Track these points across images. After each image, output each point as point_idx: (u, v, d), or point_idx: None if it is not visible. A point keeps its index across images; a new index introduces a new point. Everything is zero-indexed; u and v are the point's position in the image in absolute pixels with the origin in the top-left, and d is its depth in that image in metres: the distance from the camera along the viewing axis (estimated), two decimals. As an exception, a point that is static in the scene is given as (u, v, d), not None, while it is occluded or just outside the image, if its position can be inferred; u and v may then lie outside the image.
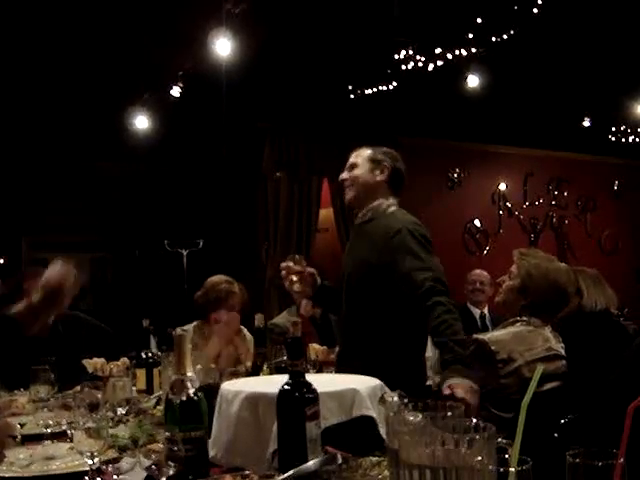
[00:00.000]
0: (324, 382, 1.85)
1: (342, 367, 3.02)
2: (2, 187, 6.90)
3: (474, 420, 1.07)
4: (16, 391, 2.97)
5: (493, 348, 2.95)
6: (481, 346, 2.99)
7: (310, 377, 1.72)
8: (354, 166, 3.25)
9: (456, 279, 6.69)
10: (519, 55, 6.05)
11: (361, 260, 3.13)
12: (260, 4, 5.21)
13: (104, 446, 1.68)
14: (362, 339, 3.05)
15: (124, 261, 7.75)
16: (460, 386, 2.52)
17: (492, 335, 3.11)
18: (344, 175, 3.27)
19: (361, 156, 3.25)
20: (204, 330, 3.97)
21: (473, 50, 5.87)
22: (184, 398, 1.69)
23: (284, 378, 1.71)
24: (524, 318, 3.13)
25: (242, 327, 4.10)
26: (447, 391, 2.49)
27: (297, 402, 1.64)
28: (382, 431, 1.84)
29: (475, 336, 3.19)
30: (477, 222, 8.64)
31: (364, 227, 3.19)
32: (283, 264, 3.22)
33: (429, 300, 2.80)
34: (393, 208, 3.19)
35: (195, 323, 4.04)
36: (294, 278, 3.17)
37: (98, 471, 1.66)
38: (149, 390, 2.84)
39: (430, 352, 4.52)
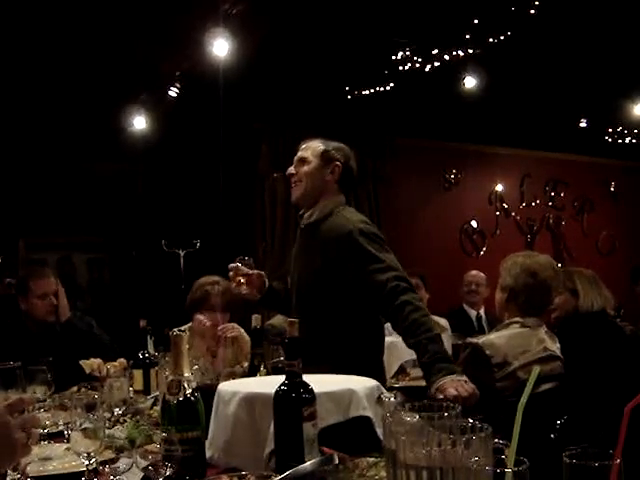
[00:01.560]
0: (321, 382, 1.85)
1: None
2: (-1, 188, 6.90)
3: (471, 420, 1.07)
4: (10, 391, 2.95)
5: (488, 352, 2.95)
6: (476, 350, 2.99)
7: (307, 377, 1.72)
8: (304, 161, 3.08)
9: (453, 280, 6.74)
10: (516, 56, 6.05)
11: (310, 265, 3.02)
12: (257, 5, 5.21)
13: (101, 447, 1.68)
14: (314, 344, 2.98)
15: (121, 261, 7.74)
16: (448, 384, 2.46)
17: (487, 339, 3.12)
18: (292, 170, 3.11)
19: (312, 151, 3.09)
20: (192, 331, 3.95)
21: (470, 51, 5.88)
22: (181, 398, 1.70)
23: (281, 378, 1.71)
24: (518, 319, 3.13)
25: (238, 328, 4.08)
26: (440, 396, 2.45)
27: (294, 402, 1.64)
28: (379, 431, 1.84)
29: (469, 340, 3.20)
30: (474, 223, 8.65)
31: (311, 229, 3.06)
32: (231, 265, 3.12)
33: (395, 300, 2.71)
34: (341, 207, 3.05)
35: (190, 324, 4.02)
36: (241, 280, 3.10)
37: (95, 472, 1.66)
38: (146, 391, 2.84)
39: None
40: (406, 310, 2.69)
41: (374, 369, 2.91)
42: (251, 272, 3.13)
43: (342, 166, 3.08)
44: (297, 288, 3.12)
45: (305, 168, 3.07)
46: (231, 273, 3.12)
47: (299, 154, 3.12)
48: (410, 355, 4.36)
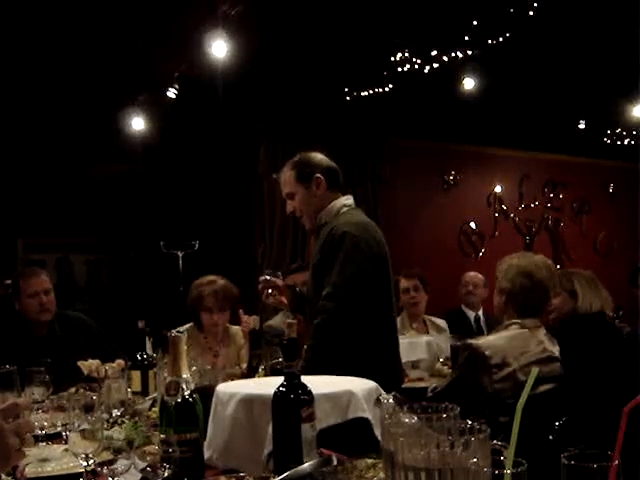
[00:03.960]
0: (319, 384, 1.84)
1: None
2: (-2, 188, 6.90)
3: (470, 422, 1.07)
4: (7, 392, 2.95)
5: (487, 353, 2.95)
6: (475, 351, 2.99)
7: (305, 379, 1.72)
8: (291, 196, 3.19)
9: (451, 281, 6.73)
10: (515, 57, 6.06)
11: (314, 264, 3.12)
12: (256, 5, 5.21)
13: (99, 448, 1.67)
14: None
15: (119, 262, 7.74)
16: None
17: (485, 340, 3.12)
18: (289, 208, 3.23)
19: (289, 182, 3.18)
20: (194, 333, 3.94)
21: (469, 52, 5.88)
22: (179, 400, 1.69)
23: (279, 380, 1.71)
24: (517, 321, 3.13)
25: (233, 327, 4.07)
26: None
27: (292, 404, 1.64)
28: (377, 433, 1.84)
29: (469, 341, 3.20)
30: (472, 224, 8.65)
31: (319, 232, 3.16)
32: (261, 277, 3.26)
33: (316, 318, 2.91)
34: (345, 209, 3.14)
35: (188, 325, 4.02)
36: (271, 291, 3.22)
37: (93, 473, 1.65)
38: (144, 392, 2.83)
39: (424, 354, 4.54)
40: (313, 334, 2.91)
41: (386, 365, 2.97)
42: (281, 284, 3.25)
43: (322, 174, 3.14)
44: (308, 288, 3.23)
45: (296, 201, 3.18)
46: (261, 285, 3.23)
47: (284, 192, 3.24)
48: (408, 356, 4.37)
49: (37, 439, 2.14)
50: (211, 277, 4.02)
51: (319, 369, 2.41)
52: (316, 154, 3.23)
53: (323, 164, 3.18)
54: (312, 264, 3.13)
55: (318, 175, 3.12)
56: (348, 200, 3.18)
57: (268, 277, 3.24)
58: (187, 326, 4.00)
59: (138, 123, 6.81)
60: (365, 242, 2.99)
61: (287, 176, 3.18)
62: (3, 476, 1.64)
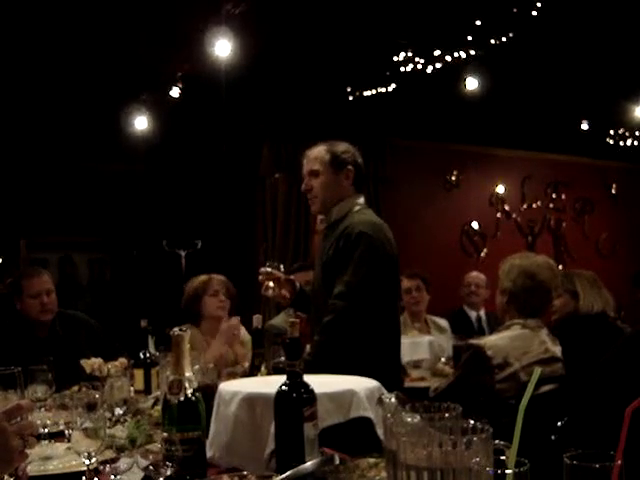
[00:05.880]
0: (322, 383, 1.85)
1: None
2: (0, 188, 6.90)
3: (472, 421, 1.08)
4: (10, 390, 2.94)
5: (489, 353, 2.95)
6: (477, 351, 2.99)
7: (308, 378, 1.72)
8: (316, 174, 3.11)
9: (453, 281, 6.74)
10: (518, 58, 6.05)
11: (325, 261, 3.07)
12: (260, 5, 5.21)
13: (102, 446, 1.68)
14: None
15: (122, 261, 7.75)
16: None
17: (488, 340, 3.12)
18: (307, 186, 3.15)
19: (321, 161, 3.11)
20: (193, 333, 3.93)
21: (472, 52, 5.88)
22: (182, 398, 1.69)
23: (282, 379, 1.71)
24: (519, 321, 3.13)
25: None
26: None
27: (295, 403, 1.65)
28: (380, 432, 1.84)
29: (471, 342, 3.20)
30: (475, 224, 8.64)
31: (328, 230, 3.13)
32: (262, 269, 3.19)
33: (326, 316, 2.89)
34: (358, 207, 3.12)
35: (186, 326, 4.00)
36: (271, 284, 3.16)
37: (95, 471, 1.65)
38: (147, 390, 2.84)
39: (426, 354, 4.54)
40: (321, 330, 2.89)
41: (387, 366, 2.95)
42: (282, 277, 3.19)
43: (354, 169, 3.12)
44: (313, 286, 3.20)
45: (319, 181, 3.11)
46: (261, 277, 3.17)
47: (308, 167, 3.15)
48: (410, 356, 4.37)
49: (40, 437, 2.14)
50: (206, 274, 4.04)
51: (323, 365, 2.41)
52: (354, 147, 3.21)
53: (357, 160, 3.17)
54: (322, 261, 3.08)
55: (350, 167, 3.11)
56: (360, 199, 3.17)
57: (269, 269, 3.18)
58: (185, 327, 3.99)
59: (141, 122, 6.81)
60: (380, 243, 2.98)
61: (321, 155, 3.12)
62: (5, 476, 1.64)
